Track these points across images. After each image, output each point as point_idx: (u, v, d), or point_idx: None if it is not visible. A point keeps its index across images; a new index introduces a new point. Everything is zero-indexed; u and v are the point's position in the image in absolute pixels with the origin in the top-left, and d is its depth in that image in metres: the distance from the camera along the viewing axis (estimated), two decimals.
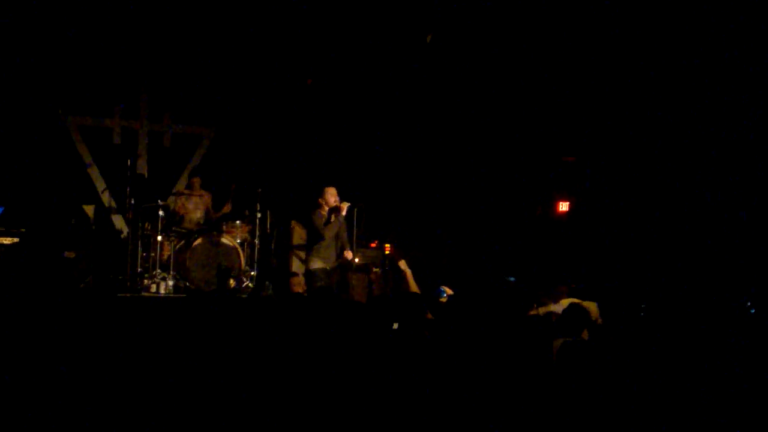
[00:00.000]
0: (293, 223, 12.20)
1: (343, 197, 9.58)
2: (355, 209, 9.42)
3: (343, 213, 9.18)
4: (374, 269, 11.55)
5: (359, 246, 10.57)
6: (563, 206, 12.72)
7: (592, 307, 7.26)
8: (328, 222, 9.15)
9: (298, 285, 10.34)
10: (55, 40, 12.21)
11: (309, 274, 9.34)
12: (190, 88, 13.39)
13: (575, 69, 11.47)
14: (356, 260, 10.30)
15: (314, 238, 9.37)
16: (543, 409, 4.12)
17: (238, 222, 11.69)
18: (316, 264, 9.26)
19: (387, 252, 12.51)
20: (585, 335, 6.35)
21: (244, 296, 11.03)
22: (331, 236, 9.22)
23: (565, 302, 7.06)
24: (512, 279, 10.61)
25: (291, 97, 13.34)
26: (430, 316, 6.03)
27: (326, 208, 9.25)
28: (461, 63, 12.13)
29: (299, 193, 12.81)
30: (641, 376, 4.45)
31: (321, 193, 9.34)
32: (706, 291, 10.13)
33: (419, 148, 13.02)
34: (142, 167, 13.40)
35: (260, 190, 11.89)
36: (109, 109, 13.40)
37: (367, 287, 11.11)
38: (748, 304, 8.89)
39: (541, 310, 7.25)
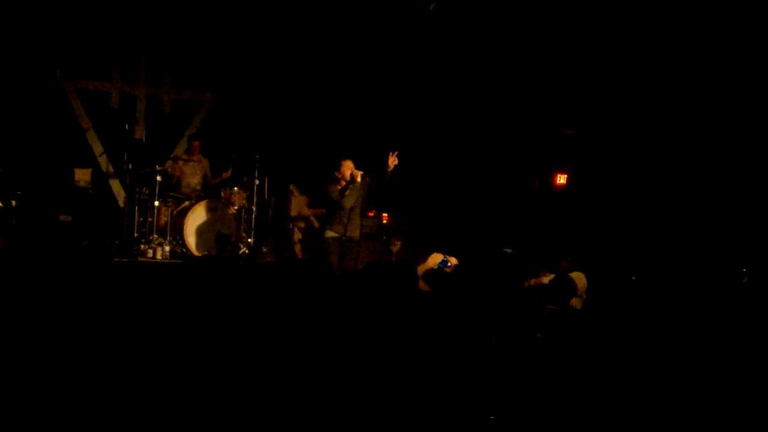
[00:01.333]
0: (291, 187, 12.16)
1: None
2: (368, 178, 9.42)
3: (358, 180, 9.19)
4: (396, 240, 11.52)
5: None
6: (561, 179, 12.70)
7: (581, 277, 7.28)
8: (344, 193, 9.19)
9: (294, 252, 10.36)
10: (54, 1, 12.13)
11: (322, 242, 9.45)
12: (190, 52, 13.33)
13: (575, 40, 11.42)
14: None
15: (332, 209, 9.43)
16: (534, 376, 4.13)
17: (236, 188, 11.69)
18: (329, 234, 9.35)
19: (384, 222, 12.52)
20: (577, 305, 6.38)
21: (241, 263, 11.04)
22: (349, 207, 9.26)
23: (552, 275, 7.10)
24: (509, 250, 10.61)
25: (290, 63, 13.27)
26: (425, 287, 6.02)
27: (343, 182, 9.27)
28: (461, 34, 12.06)
29: (298, 160, 12.80)
30: (630, 346, 4.47)
31: (337, 166, 9.35)
32: (702, 263, 10.17)
33: (416, 119, 12.98)
34: (141, 132, 13.37)
35: (258, 156, 11.87)
36: (107, 73, 13.35)
37: (377, 256, 11.16)
38: (744, 271, 8.94)
39: (533, 282, 7.28)
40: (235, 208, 11.56)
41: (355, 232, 9.43)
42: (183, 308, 5.10)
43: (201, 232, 11.25)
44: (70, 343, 4.48)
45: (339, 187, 9.29)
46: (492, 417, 3.91)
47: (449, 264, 6.40)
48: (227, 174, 11.83)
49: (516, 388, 4.10)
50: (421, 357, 4.20)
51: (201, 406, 3.97)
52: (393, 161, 9.14)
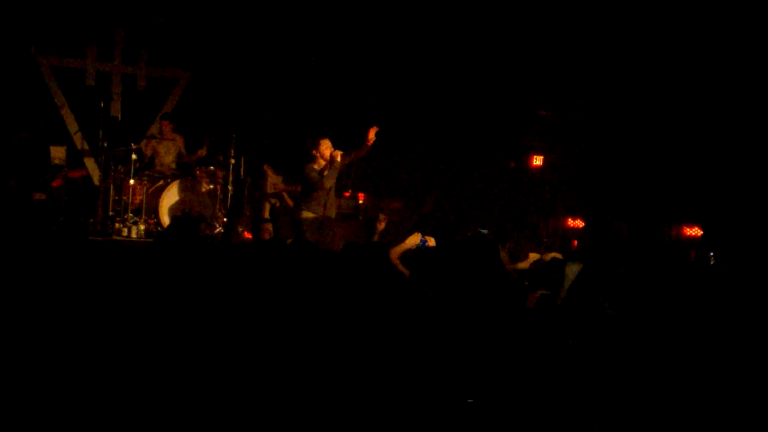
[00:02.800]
0: (265, 167, 12.10)
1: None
2: (348, 157, 9.34)
3: (338, 160, 9.10)
4: (382, 216, 11.42)
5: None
6: (537, 160, 12.73)
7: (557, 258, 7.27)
8: (323, 174, 9.10)
9: (267, 231, 10.33)
10: None
11: (297, 222, 9.36)
12: (166, 29, 13.25)
13: (550, 21, 11.42)
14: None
15: (308, 189, 9.31)
16: (518, 360, 4.15)
17: (211, 167, 11.65)
18: (305, 214, 9.26)
19: (360, 201, 12.52)
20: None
21: (215, 242, 11.00)
22: (329, 187, 9.20)
23: (533, 256, 7.05)
24: (485, 231, 10.65)
25: (268, 42, 13.21)
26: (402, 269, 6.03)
27: (321, 161, 9.18)
28: (437, 16, 12.04)
29: (274, 139, 12.77)
30: (616, 330, 4.49)
31: (315, 145, 9.24)
32: (677, 245, 10.25)
33: (393, 100, 12.96)
34: (116, 110, 13.31)
35: (235, 135, 11.82)
36: (83, 50, 13.26)
37: (354, 235, 11.13)
38: (711, 255, 9.02)
39: (509, 267, 7.24)
40: (211, 186, 11.52)
41: (331, 211, 9.39)
42: (158, 287, 5.09)
43: (176, 210, 11.21)
44: (45, 321, 4.46)
45: (316, 167, 9.20)
46: (470, 400, 3.93)
47: (427, 244, 6.42)
48: (202, 152, 11.79)
49: (496, 373, 4.12)
50: (400, 339, 4.21)
51: (179, 385, 3.96)
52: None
